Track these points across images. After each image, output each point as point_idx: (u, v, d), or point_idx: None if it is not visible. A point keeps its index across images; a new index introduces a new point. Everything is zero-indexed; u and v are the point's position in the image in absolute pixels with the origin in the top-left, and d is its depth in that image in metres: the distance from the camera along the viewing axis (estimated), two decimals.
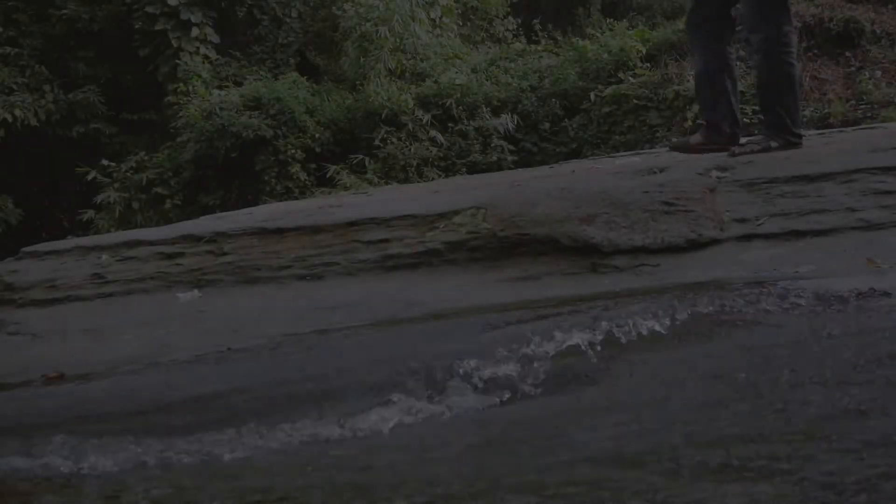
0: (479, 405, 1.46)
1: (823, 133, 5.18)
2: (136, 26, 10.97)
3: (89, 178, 10.25)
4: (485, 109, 8.76)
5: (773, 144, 3.55)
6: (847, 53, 8.50)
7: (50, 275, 3.37)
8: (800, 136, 3.66)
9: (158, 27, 10.83)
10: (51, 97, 11.06)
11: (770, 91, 3.74)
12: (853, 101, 7.78)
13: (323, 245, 3.18)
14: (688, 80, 8.07)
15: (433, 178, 8.09)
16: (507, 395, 1.48)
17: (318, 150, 9.16)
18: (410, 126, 8.70)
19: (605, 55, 8.79)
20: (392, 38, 9.28)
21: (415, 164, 8.52)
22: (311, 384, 1.59)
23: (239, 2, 11.33)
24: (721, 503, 0.81)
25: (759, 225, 2.70)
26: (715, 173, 3.15)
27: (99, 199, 10.07)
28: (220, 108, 9.30)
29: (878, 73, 8.07)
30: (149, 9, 10.79)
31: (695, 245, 2.63)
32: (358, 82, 9.51)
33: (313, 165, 9.11)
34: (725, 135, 3.70)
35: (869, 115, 7.37)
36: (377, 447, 1.29)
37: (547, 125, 8.72)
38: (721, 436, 1.06)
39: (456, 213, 3.11)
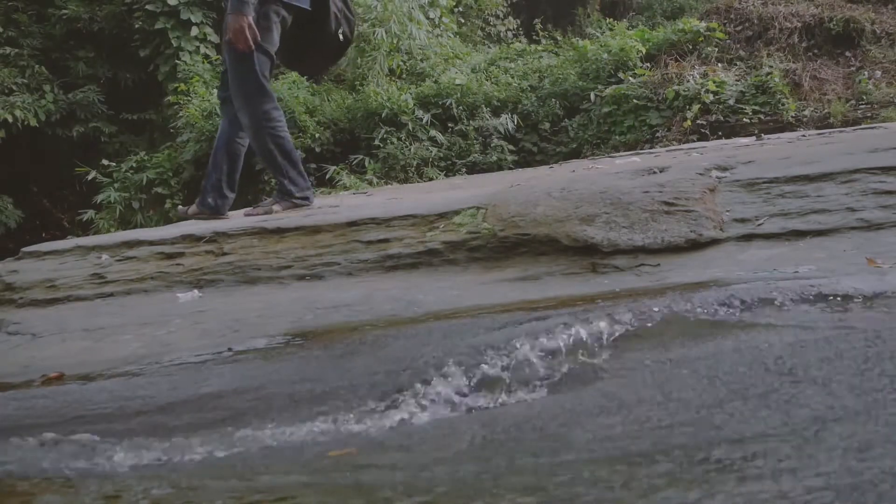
0: (479, 405, 1.46)
1: (823, 133, 5.19)
2: (136, 26, 10.98)
3: (89, 178, 10.25)
4: (485, 109, 8.76)
5: (277, 208, 4.06)
6: (847, 53, 8.51)
7: (50, 275, 3.37)
8: (307, 198, 4.19)
9: (158, 26, 10.84)
10: (51, 97, 11.06)
11: (269, 164, 4.31)
12: (853, 101, 7.79)
13: (323, 245, 3.18)
14: (687, 80, 8.07)
15: (433, 178, 8.09)
16: (507, 396, 1.48)
17: (318, 150, 9.16)
18: (410, 126, 8.70)
19: (605, 55, 8.79)
20: (389, 39, 9.28)
21: (415, 164, 8.52)
22: (311, 384, 1.59)
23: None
24: (721, 503, 0.81)
25: (759, 225, 2.70)
26: (715, 173, 3.15)
27: (99, 199, 10.07)
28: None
29: (878, 73, 8.08)
30: (149, 7, 10.79)
31: (695, 245, 2.63)
32: (357, 83, 9.51)
33: (313, 165, 9.11)
34: (209, 206, 4.19)
35: (869, 115, 7.37)
36: (377, 447, 1.29)
37: (547, 125, 8.72)
38: (721, 436, 1.06)
39: (456, 213, 3.12)
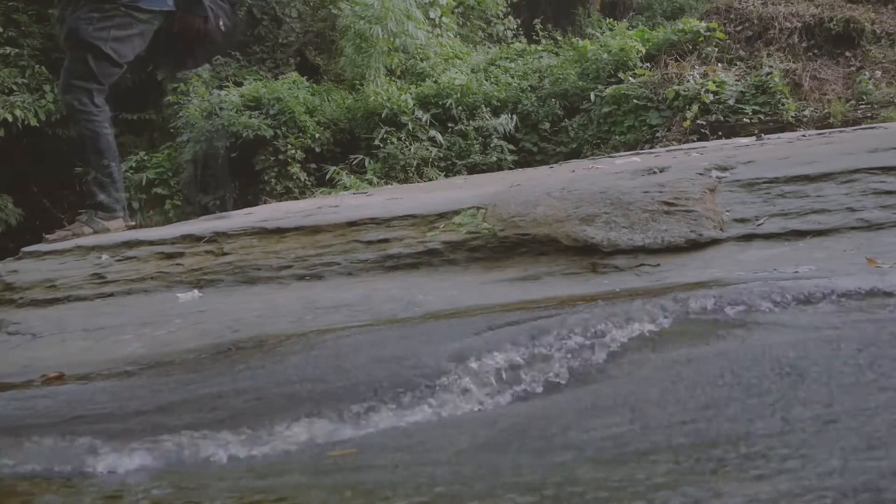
0: (478, 405, 1.46)
1: (823, 133, 5.19)
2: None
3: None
4: (485, 109, 8.76)
5: (87, 230, 4.17)
6: (847, 53, 8.52)
7: (50, 275, 3.37)
8: (116, 210, 4.17)
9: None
10: (51, 97, 11.05)
11: (80, 158, 4.30)
12: (853, 101, 7.79)
13: (323, 245, 3.18)
14: (687, 80, 8.07)
15: (433, 179, 8.10)
16: (506, 396, 1.48)
17: (318, 150, 9.16)
18: (410, 126, 8.70)
19: (605, 55, 8.80)
20: (387, 37, 9.27)
21: (415, 164, 8.52)
22: (311, 384, 1.59)
23: (239, 2, 11.32)
24: (721, 503, 0.81)
25: (759, 225, 2.71)
26: (715, 173, 3.15)
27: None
28: (220, 108, 9.31)
29: (878, 73, 8.08)
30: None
31: (695, 245, 2.63)
32: (357, 82, 9.51)
33: (313, 165, 9.11)
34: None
35: (869, 115, 7.37)
36: (377, 447, 1.29)
37: (547, 125, 8.72)
38: (721, 436, 1.06)
39: (456, 213, 3.12)
